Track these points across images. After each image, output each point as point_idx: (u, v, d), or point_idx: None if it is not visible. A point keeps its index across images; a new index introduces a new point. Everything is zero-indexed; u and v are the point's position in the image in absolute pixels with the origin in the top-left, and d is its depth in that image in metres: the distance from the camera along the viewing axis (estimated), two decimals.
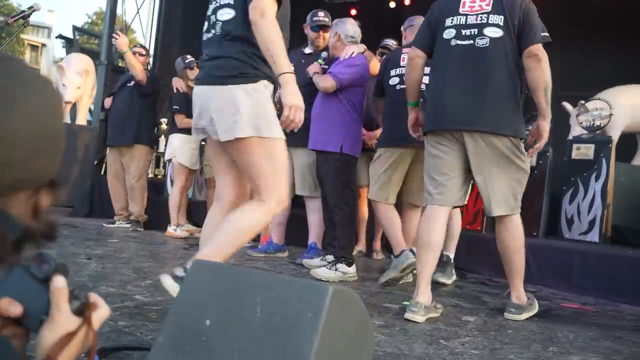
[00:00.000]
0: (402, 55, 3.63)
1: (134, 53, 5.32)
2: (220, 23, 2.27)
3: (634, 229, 4.59)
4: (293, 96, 2.11)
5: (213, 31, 2.31)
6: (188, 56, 5.42)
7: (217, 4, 2.32)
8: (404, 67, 3.52)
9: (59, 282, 0.74)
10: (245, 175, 2.32)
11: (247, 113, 2.15)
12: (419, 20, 3.97)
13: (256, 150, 2.18)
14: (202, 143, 5.39)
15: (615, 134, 5.44)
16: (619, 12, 6.74)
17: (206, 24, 2.37)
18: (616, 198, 4.56)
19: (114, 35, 5.24)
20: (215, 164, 2.46)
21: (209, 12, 2.36)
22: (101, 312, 0.82)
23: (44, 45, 42.19)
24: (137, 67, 5.23)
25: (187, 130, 5.15)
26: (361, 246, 4.70)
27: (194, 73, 5.21)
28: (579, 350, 2.31)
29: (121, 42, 5.13)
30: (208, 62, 2.30)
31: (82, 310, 0.78)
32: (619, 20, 6.71)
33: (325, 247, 3.89)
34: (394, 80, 3.62)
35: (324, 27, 4.11)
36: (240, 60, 2.18)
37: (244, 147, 2.19)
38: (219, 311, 1.30)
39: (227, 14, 2.26)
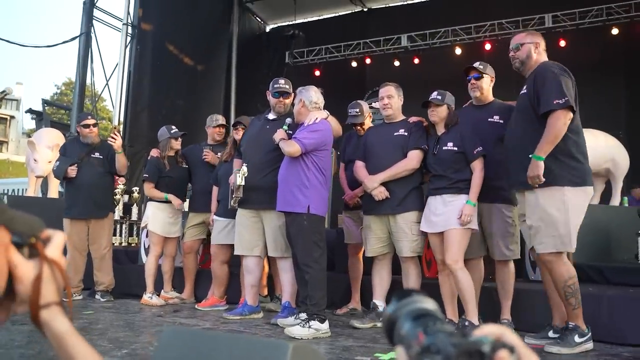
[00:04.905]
0: None
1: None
2: None
3: (594, 266, 4.78)
4: None
5: None
6: (173, 127, 5.41)
7: None
8: None
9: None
10: None
11: None
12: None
13: None
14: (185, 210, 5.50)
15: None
16: None
17: None
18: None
19: (112, 136, 5.26)
20: None
21: None
22: (55, 241, 0.84)
23: (12, 117, 42.15)
24: (125, 165, 5.41)
25: (161, 200, 5.27)
26: (354, 304, 4.72)
27: (177, 144, 5.34)
28: None
29: (118, 144, 5.22)
30: None
31: (35, 251, 0.81)
32: None
33: (298, 306, 3.98)
34: None
35: (283, 94, 4.33)
36: None
37: None
38: None
39: None
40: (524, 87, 3.43)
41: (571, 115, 3.20)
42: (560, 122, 3.15)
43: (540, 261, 3.51)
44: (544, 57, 3.50)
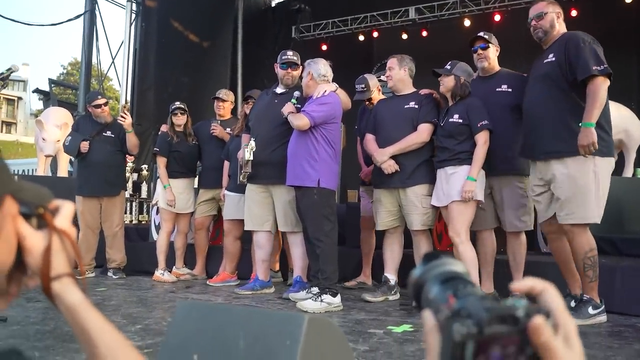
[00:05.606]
0: None
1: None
2: None
3: (607, 238, 4.74)
4: None
5: None
6: (176, 103, 5.39)
7: None
8: None
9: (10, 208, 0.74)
10: None
11: None
12: None
13: None
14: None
15: None
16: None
17: None
18: None
19: (121, 115, 5.28)
20: None
21: None
22: (64, 211, 0.82)
23: (20, 98, 42.22)
24: (136, 145, 5.40)
25: (170, 175, 5.26)
26: (364, 278, 4.75)
27: (177, 119, 5.29)
28: None
29: (128, 123, 5.23)
30: None
31: (43, 222, 0.78)
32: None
33: (310, 280, 3.99)
34: None
35: (292, 65, 4.27)
36: None
37: None
38: (205, 346, 1.40)
39: None
40: (550, 56, 3.35)
41: (608, 82, 3.15)
42: (603, 88, 3.12)
43: (551, 232, 3.48)
44: (564, 27, 3.44)
